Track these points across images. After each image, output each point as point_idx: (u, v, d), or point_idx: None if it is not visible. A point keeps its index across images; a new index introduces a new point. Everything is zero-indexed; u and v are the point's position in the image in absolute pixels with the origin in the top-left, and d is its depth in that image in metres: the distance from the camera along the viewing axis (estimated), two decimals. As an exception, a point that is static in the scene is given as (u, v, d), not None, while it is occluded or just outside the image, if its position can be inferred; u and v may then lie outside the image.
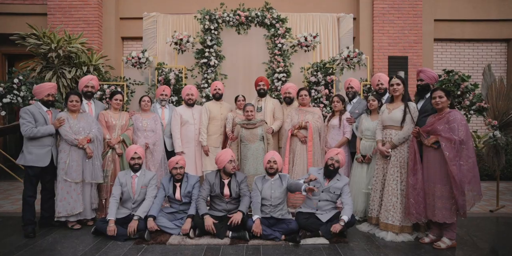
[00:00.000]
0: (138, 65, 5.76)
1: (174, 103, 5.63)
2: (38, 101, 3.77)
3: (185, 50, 5.88)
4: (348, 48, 5.78)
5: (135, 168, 3.84)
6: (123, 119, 4.30)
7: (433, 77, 3.77)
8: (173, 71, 5.77)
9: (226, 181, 3.79)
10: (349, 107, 4.76)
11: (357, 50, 5.69)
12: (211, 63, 5.77)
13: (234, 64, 5.98)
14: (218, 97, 4.96)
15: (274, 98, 5.46)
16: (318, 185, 3.73)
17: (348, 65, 5.73)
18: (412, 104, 3.70)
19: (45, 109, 3.75)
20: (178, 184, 3.88)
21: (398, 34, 7.33)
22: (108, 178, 4.10)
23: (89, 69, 6.04)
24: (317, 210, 3.75)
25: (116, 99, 4.30)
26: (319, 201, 3.76)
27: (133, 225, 3.50)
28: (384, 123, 3.82)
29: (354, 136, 4.46)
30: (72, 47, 6.06)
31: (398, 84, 3.75)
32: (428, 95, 3.75)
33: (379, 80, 4.55)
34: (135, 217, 3.57)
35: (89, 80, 4.21)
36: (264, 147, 4.49)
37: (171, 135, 4.78)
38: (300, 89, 4.74)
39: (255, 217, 3.51)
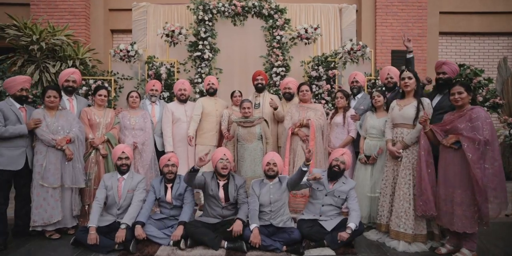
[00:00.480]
0: (127, 58, 5.39)
1: (166, 99, 5.28)
2: (10, 96, 3.38)
3: (177, 43, 5.52)
4: (351, 40, 5.44)
5: (122, 170, 3.49)
6: (108, 117, 3.93)
7: (456, 70, 3.45)
8: (165, 65, 5.42)
9: (221, 183, 3.44)
10: (353, 103, 4.42)
11: (361, 43, 5.37)
12: (205, 56, 5.41)
13: (230, 57, 5.64)
14: (212, 92, 4.60)
15: (272, 94, 5.11)
16: (322, 188, 3.41)
17: (351, 59, 5.40)
18: (425, 100, 3.36)
19: (18, 106, 3.37)
20: (169, 185, 3.54)
21: (402, 27, 7.02)
22: (91, 182, 3.73)
23: (75, 63, 5.67)
24: (320, 215, 3.41)
25: (100, 95, 3.93)
26: (323, 205, 3.42)
27: (121, 235, 3.14)
28: (395, 121, 3.48)
29: (357, 135, 4.12)
30: (57, 39, 5.67)
31: (410, 78, 3.41)
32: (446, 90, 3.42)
33: (388, 74, 4.21)
34: (122, 226, 3.21)
35: (70, 74, 3.82)
36: (263, 147, 4.14)
37: (161, 134, 4.42)
38: (301, 84, 4.39)
39: (252, 226, 3.15)
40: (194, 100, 5.14)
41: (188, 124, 4.47)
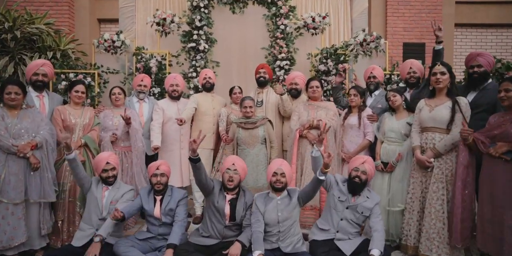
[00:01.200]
0: (112, 49, 4.81)
1: (156, 96, 4.71)
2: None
3: (169, 32, 4.94)
4: (364, 30, 4.88)
5: (109, 182, 3.01)
6: (86, 117, 3.36)
7: (493, 62, 2.95)
8: (155, 57, 4.83)
9: (228, 197, 2.90)
10: (369, 101, 3.88)
11: (375, 33, 4.80)
12: (200, 47, 4.84)
13: (228, 49, 5.08)
14: (208, 87, 4.04)
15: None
16: (344, 198, 2.86)
17: (363, 51, 4.84)
18: (463, 100, 2.83)
19: None
20: (158, 198, 3.00)
21: (415, 17, 6.40)
22: (65, 193, 3.18)
23: (56, 54, 5.06)
24: (337, 231, 2.87)
25: (77, 91, 3.35)
26: (341, 219, 2.87)
27: (93, 251, 2.62)
28: (424, 124, 2.95)
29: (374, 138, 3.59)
30: (34, 28, 5.06)
31: (443, 73, 2.88)
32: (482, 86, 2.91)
33: (410, 68, 3.70)
34: (96, 239, 2.70)
35: (39, 66, 3.23)
36: (267, 152, 3.59)
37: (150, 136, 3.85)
38: (310, 80, 3.84)
39: (256, 254, 2.59)
40: (188, 96, 4.59)
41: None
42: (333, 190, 2.92)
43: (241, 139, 3.57)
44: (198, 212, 3.94)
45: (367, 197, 2.87)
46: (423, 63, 6.23)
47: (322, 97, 4.11)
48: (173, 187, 3.11)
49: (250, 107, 3.55)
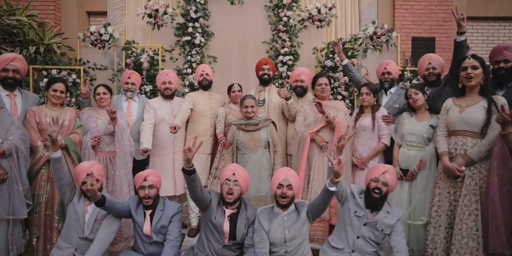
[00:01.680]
0: (100, 43, 4.40)
1: (148, 94, 4.32)
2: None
3: (162, 25, 4.53)
4: (373, 23, 4.50)
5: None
6: (65, 119, 2.95)
7: None
8: (147, 52, 4.43)
9: (227, 212, 2.51)
10: (384, 100, 3.49)
11: (386, 26, 4.41)
12: (196, 41, 4.44)
13: (226, 43, 4.71)
14: (206, 85, 3.65)
15: (278, 87, 4.15)
16: (362, 213, 2.48)
17: (373, 45, 4.46)
18: (500, 99, 2.45)
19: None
20: (148, 212, 2.61)
21: (425, 10, 6.06)
22: (41, 206, 2.80)
23: (39, 49, 4.64)
24: (353, 251, 2.49)
25: (56, 90, 2.96)
26: (358, 237, 2.49)
27: None
28: (453, 127, 2.57)
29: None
30: (15, 20, 4.64)
31: (474, 68, 2.51)
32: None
33: (429, 63, 3.31)
34: None
35: (9, 61, 2.82)
36: (270, 157, 3.21)
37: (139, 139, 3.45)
38: (317, 76, 3.44)
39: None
40: (183, 95, 4.24)
41: (175, 126, 3.53)
42: (348, 204, 2.54)
43: (242, 143, 3.18)
44: (194, 223, 3.55)
45: (387, 212, 2.49)
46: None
47: (330, 95, 3.72)
48: (165, 200, 2.72)
49: (252, 106, 3.16)
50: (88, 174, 2.53)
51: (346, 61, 3.69)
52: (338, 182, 2.33)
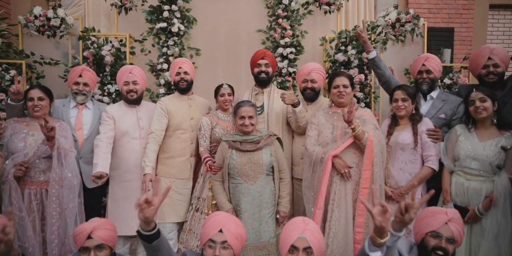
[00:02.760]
0: (49, 30, 3.46)
1: (113, 96, 3.49)
2: None
3: (130, 8, 3.69)
4: (396, 7, 3.71)
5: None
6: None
7: None
8: (111, 42, 3.58)
9: None
10: (424, 108, 2.63)
11: (411, 12, 3.62)
12: (174, 29, 3.61)
13: (212, 32, 4.00)
14: (184, 87, 2.78)
15: (278, 88, 3.31)
16: None
17: (395, 35, 3.66)
18: None
19: None
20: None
21: (442, -4, 5.42)
22: None
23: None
24: None
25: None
26: None
27: None
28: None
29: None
30: None
31: None
32: None
33: (490, 58, 2.48)
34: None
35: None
36: (274, 188, 2.33)
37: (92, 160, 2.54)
38: (335, 75, 2.56)
39: None
40: (158, 96, 3.50)
41: (142, 141, 2.68)
42: None
43: (236, 168, 2.29)
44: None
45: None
46: (452, 52, 5.26)
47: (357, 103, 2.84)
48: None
49: (250, 117, 2.28)
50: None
51: (374, 53, 2.79)
52: (382, 244, 1.45)
